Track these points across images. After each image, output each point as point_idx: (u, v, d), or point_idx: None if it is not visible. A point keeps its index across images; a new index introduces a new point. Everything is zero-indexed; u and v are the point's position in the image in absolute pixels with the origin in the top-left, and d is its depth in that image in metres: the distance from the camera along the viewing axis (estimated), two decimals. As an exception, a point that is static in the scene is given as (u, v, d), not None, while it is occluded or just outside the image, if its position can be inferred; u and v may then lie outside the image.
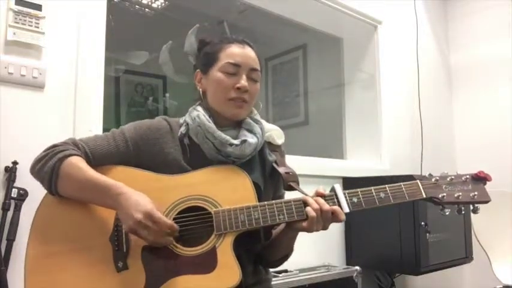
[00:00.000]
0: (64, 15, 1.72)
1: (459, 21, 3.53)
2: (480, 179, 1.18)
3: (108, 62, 1.87)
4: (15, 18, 1.58)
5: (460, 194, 1.15)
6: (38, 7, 1.63)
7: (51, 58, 1.67)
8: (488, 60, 3.30)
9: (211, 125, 1.16)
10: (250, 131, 1.20)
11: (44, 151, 1.14)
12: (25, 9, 1.60)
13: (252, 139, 1.17)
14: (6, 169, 1.52)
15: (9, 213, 1.49)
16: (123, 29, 2.62)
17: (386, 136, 2.93)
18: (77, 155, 1.12)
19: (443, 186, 1.17)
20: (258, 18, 2.99)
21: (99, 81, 1.78)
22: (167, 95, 3.67)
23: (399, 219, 2.34)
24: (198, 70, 1.25)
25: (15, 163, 1.51)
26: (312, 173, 2.29)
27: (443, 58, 3.54)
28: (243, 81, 1.16)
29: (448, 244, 2.47)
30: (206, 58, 1.22)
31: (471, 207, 1.18)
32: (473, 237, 2.55)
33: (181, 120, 1.23)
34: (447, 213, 1.17)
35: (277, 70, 3.66)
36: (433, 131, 3.20)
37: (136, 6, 3.26)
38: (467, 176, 1.18)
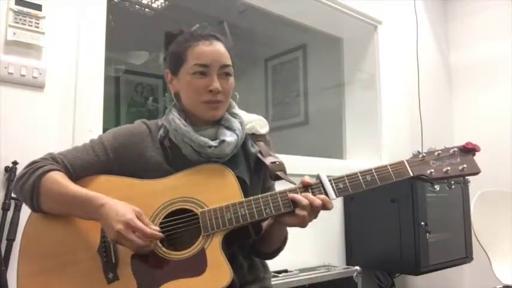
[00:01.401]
0: (64, 15, 1.72)
1: (459, 21, 3.53)
2: (468, 150, 1.14)
3: (108, 62, 1.87)
4: (15, 18, 1.58)
5: (449, 168, 1.12)
6: (38, 7, 1.63)
7: (51, 58, 1.67)
8: (488, 60, 3.30)
9: (187, 128, 1.14)
10: (229, 128, 1.17)
11: (24, 169, 1.13)
12: (25, 9, 1.60)
13: (230, 137, 1.15)
14: (6, 169, 1.52)
15: (9, 213, 1.49)
16: (123, 29, 2.62)
17: (386, 136, 2.93)
18: (57, 170, 1.11)
19: (431, 162, 1.13)
20: (258, 18, 2.99)
21: (99, 81, 1.78)
22: (167, 95, 3.66)
23: (399, 219, 2.34)
24: (167, 70, 1.22)
25: (15, 163, 1.51)
26: (312, 173, 2.28)
27: (443, 58, 3.54)
28: (215, 83, 1.12)
29: (448, 244, 2.47)
30: (174, 59, 1.19)
31: (461, 180, 1.15)
32: (473, 237, 2.55)
33: (159, 122, 1.21)
34: (437, 189, 1.15)
35: (277, 70, 3.66)
36: (433, 131, 3.20)
37: (137, 6, 3.26)
38: (455, 149, 1.14)
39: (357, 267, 2.25)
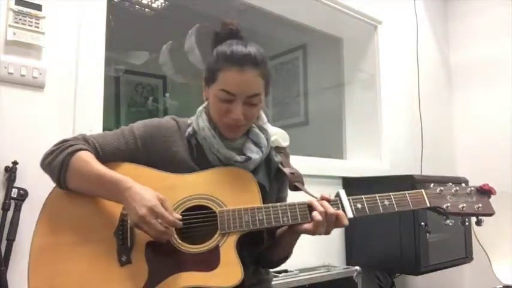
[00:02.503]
0: (64, 15, 1.72)
1: (459, 21, 3.53)
2: (485, 191, 1.19)
3: (108, 62, 1.87)
4: (15, 18, 1.58)
5: (464, 205, 1.17)
6: (38, 7, 1.63)
7: (51, 58, 1.67)
8: (488, 60, 3.30)
9: (216, 140, 1.16)
10: (256, 144, 1.20)
11: (54, 145, 1.16)
12: (25, 9, 1.60)
13: (256, 154, 1.18)
14: (6, 169, 1.52)
15: (9, 213, 1.49)
16: (123, 29, 2.61)
17: (386, 136, 2.93)
18: (87, 150, 1.14)
19: (448, 197, 1.18)
20: (258, 18, 2.99)
21: (99, 81, 1.78)
22: (167, 95, 3.67)
23: (399, 219, 2.34)
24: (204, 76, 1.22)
25: (15, 163, 1.51)
26: (312, 173, 2.28)
27: (443, 58, 3.54)
28: (237, 114, 1.12)
29: (448, 244, 2.47)
30: (208, 72, 1.18)
31: (474, 219, 1.19)
32: (473, 237, 2.55)
33: (189, 121, 1.24)
34: (450, 224, 1.18)
35: (277, 70, 3.66)
36: (433, 131, 3.20)
37: (137, 6, 3.26)
38: (472, 188, 1.19)
39: (357, 267, 2.25)
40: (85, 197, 1.14)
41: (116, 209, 1.11)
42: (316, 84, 3.40)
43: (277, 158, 1.26)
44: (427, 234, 2.28)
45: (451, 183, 1.20)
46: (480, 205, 1.17)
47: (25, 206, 1.49)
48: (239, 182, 1.15)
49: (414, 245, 2.27)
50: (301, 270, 2.12)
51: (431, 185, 1.19)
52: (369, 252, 2.51)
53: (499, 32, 3.24)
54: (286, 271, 2.05)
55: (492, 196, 1.19)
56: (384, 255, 2.42)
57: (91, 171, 1.10)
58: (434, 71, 3.44)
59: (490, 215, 1.18)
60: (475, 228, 2.45)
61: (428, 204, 1.16)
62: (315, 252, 2.43)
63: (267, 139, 1.23)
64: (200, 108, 1.24)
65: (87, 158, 1.12)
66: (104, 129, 1.74)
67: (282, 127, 1.33)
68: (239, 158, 1.16)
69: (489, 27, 3.32)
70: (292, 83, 3.52)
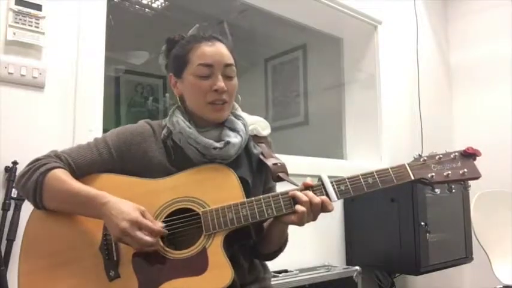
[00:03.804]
0: (64, 15, 1.72)
1: (459, 21, 3.53)
2: (469, 155, 1.15)
3: (108, 62, 1.87)
4: (15, 18, 1.58)
5: (449, 172, 1.13)
6: (38, 7, 1.63)
7: (51, 58, 1.67)
8: (489, 60, 3.30)
9: (192, 130, 1.14)
10: (233, 130, 1.18)
11: (27, 166, 1.14)
12: (25, 9, 1.60)
13: (235, 138, 1.16)
14: (6, 169, 1.52)
15: (9, 213, 1.49)
16: (123, 29, 2.62)
17: (386, 136, 2.93)
18: (60, 167, 1.12)
19: (432, 166, 1.14)
20: (258, 18, 2.99)
21: (99, 82, 1.78)
22: (167, 95, 3.67)
23: (399, 219, 2.34)
24: (171, 74, 1.22)
25: (15, 163, 1.51)
26: (311, 173, 2.28)
27: (443, 58, 3.54)
28: (220, 82, 1.13)
29: (448, 244, 2.47)
30: (177, 61, 1.19)
31: (462, 184, 1.16)
32: (473, 237, 2.55)
33: (163, 122, 1.22)
34: (438, 193, 1.16)
35: (277, 70, 3.66)
36: (433, 131, 3.20)
37: (136, 6, 3.26)
38: (456, 153, 1.15)
39: (357, 267, 2.25)
40: (65, 216, 1.12)
41: (98, 224, 1.09)
42: (316, 84, 3.40)
43: (256, 150, 1.23)
44: (427, 234, 2.29)
45: (435, 151, 1.17)
46: (466, 170, 1.12)
47: (25, 206, 1.49)
48: (219, 179, 1.12)
49: (414, 245, 2.27)
50: (301, 270, 2.12)
51: (415, 154, 1.16)
52: (368, 252, 2.51)
53: (499, 32, 3.24)
54: (286, 271, 2.05)
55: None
56: (384, 255, 2.42)
57: (66, 189, 1.08)
58: (434, 71, 3.44)
59: (476, 178, 1.13)
60: (475, 228, 2.45)
61: (413, 177, 1.12)
62: (315, 252, 2.43)
63: (244, 124, 1.21)
64: (172, 108, 1.23)
65: (61, 176, 1.10)
66: (104, 129, 1.74)
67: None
68: (218, 144, 1.13)
69: (489, 27, 3.32)
70: (292, 83, 3.52)
